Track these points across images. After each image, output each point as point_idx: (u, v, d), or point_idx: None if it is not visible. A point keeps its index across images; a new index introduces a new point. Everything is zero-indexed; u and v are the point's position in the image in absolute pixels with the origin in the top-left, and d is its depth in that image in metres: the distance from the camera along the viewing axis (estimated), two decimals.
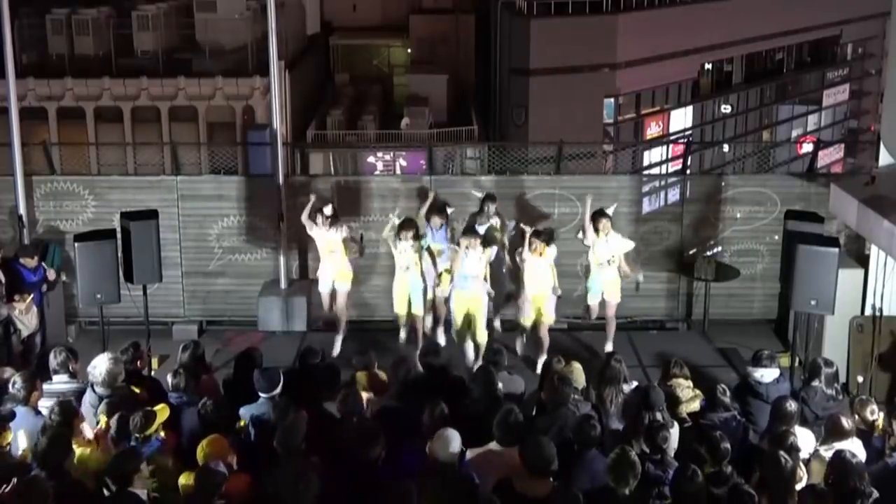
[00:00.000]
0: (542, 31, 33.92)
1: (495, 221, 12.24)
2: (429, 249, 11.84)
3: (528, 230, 11.50)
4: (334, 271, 12.23)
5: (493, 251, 11.43)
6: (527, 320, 11.76)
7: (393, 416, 7.82)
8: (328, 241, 12.12)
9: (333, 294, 12.35)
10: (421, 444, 6.93)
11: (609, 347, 11.99)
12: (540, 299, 11.60)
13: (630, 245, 12.02)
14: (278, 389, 7.92)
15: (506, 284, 12.54)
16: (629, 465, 6.34)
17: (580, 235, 11.96)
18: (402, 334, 12.04)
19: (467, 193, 13.08)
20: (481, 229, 11.92)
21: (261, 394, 7.90)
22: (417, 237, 11.56)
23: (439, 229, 12.07)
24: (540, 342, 11.81)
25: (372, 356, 9.52)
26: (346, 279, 12.29)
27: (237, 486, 6.62)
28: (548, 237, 11.52)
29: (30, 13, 29.33)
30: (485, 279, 11.29)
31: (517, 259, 11.66)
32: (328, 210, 12.05)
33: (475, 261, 11.08)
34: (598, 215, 11.74)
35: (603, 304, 12.15)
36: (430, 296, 12.10)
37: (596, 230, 11.72)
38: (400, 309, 11.95)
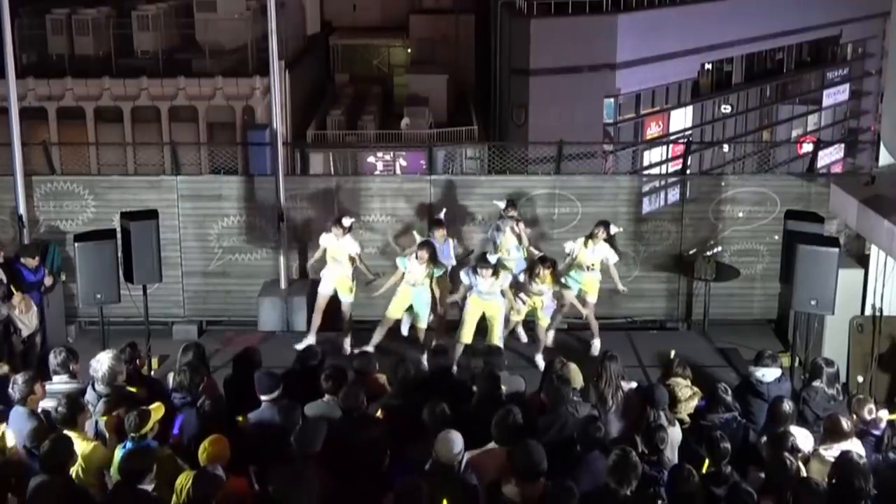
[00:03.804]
0: (542, 31, 33.86)
1: (509, 230, 12.23)
2: (440, 280, 11.88)
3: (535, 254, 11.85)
4: (336, 278, 12.29)
5: (506, 279, 11.44)
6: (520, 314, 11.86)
7: (395, 415, 7.83)
8: (335, 249, 12.19)
9: (330, 298, 12.38)
10: (421, 446, 6.93)
11: (596, 343, 12.18)
12: (537, 301, 11.74)
13: (614, 256, 12.17)
14: (278, 391, 7.91)
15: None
16: (631, 466, 6.30)
17: (569, 248, 12.17)
18: (377, 337, 11.92)
19: (468, 194, 13.08)
20: (498, 235, 12.25)
21: (261, 396, 7.89)
22: (433, 262, 11.61)
23: (443, 244, 12.23)
24: (538, 341, 11.92)
25: (372, 359, 9.49)
26: (347, 290, 12.32)
27: (234, 489, 6.60)
28: (552, 265, 11.60)
29: (30, 13, 29.30)
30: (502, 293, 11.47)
31: (528, 287, 11.67)
32: (347, 221, 12.11)
33: (489, 285, 11.27)
34: (601, 224, 12.00)
35: (582, 302, 12.25)
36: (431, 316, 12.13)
37: (592, 236, 11.94)
38: (393, 314, 11.94)
